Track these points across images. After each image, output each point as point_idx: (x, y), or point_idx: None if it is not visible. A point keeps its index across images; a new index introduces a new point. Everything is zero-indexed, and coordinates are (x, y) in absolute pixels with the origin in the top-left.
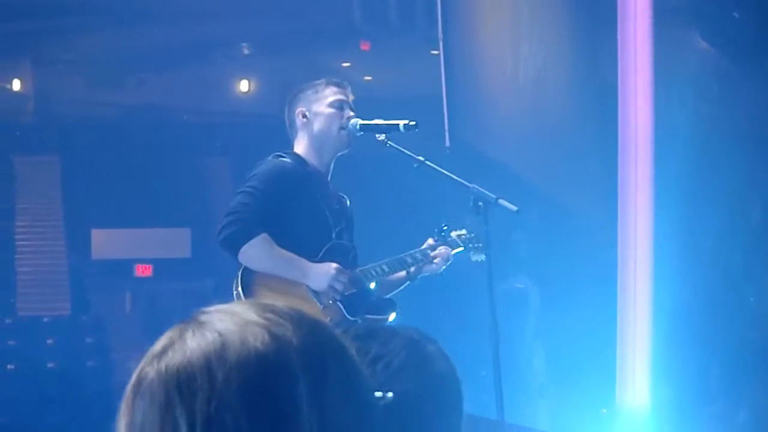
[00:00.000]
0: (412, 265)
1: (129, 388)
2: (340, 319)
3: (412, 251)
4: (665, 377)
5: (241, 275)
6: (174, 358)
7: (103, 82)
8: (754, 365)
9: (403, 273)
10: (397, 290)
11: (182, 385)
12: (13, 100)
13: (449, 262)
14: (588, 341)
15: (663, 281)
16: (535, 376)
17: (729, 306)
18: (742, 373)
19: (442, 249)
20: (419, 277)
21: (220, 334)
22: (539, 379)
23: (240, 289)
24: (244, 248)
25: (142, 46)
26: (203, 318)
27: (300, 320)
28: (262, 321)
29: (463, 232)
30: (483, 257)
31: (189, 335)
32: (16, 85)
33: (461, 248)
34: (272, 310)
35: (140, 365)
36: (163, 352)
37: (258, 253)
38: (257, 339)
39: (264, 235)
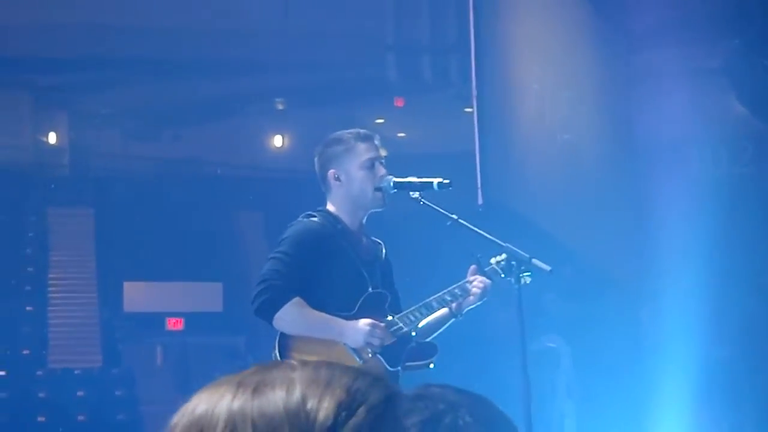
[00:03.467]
0: (453, 301)
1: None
2: (382, 372)
3: (451, 287)
4: None
5: (279, 339)
6: (206, 403)
7: (138, 136)
8: None
9: (445, 310)
10: (443, 328)
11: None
12: (49, 152)
13: (488, 294)
14: (620, 400)
15: (696, 341)
16: None
17: (763, 368)
18: None
19: (480, 280)
20: (464, 312)
21: (259, 396)
22: None
23: (277, 352)
24: (277, 315)
25: (177, 101)
26: (273, 368)
27: (366, 400)
28: (309, 390)
29: (503, 257)
30: (528, 279)
31: (248, 385)
32: (52, 138)
33: (502, 274)
34: (346, 386)
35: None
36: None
37: (292, 318)
38: (290, 402)
39: (296, 300)
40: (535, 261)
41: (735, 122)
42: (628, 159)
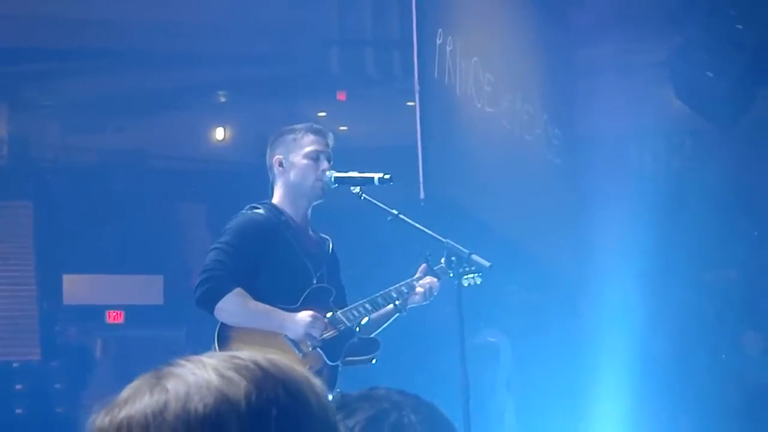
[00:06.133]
0: (398, 298)
1: None
2: (321, 366)
3: (398, 284)
4: (636, 430)
5: (218, 330)
6: (120, 412)
7: (78, 127)
8: (723, 420)
9: (390, 306)
10: (387, 323)
11: None
12: None
13: (435, 293)
14: (559, 394)
15: (635, 335)
16: (506, 430)
17: (700, 361)
18: (712, 427)
19: (427, 280)
20: (407, 308)
21: (167, 392)
22: None
23: (217, 344)
24: (218, 305)
25: (118, 93)
26: (166, 371)
27: (264, 379)
28: (216, 380)
29: (452, 256)
30: (479, 281)
31: (146, 388)
32: None
33: (451, 274)
34: (237, 366)
35: (97, 414)
36: (116, 404)
37: (233, 308)
38: (201, 401)
39: (238, 290)
40: (474, 257)
41: (674, 117)
42: (569, 153)
